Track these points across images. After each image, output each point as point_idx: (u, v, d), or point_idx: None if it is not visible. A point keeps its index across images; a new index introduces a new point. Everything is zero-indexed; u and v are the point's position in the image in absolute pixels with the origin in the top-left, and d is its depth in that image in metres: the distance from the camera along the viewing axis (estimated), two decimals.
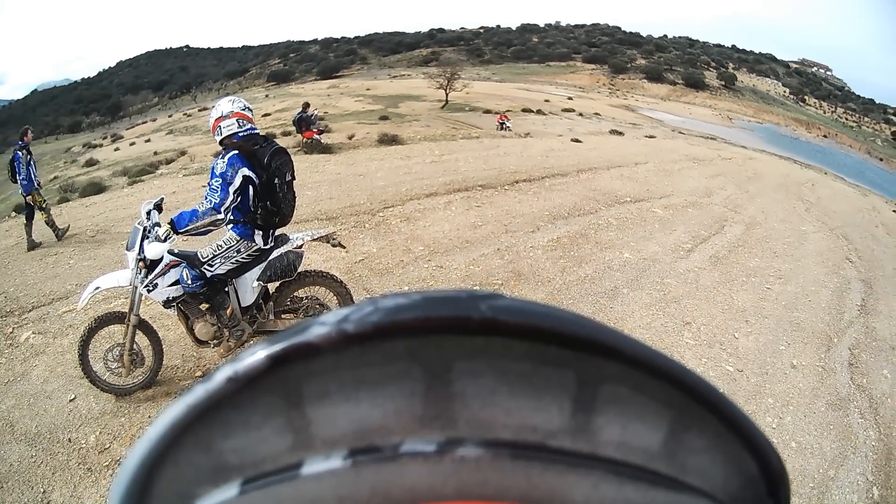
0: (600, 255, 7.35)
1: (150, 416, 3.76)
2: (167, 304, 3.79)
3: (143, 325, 3.89)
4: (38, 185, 8.35)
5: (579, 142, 17.48)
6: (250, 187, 3.59)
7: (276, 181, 3.63)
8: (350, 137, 16.59)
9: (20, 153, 8.06)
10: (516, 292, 5.93)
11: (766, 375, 5.04)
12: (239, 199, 3.57)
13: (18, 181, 8.10)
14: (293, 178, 3.82)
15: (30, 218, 7.88)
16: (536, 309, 0.25)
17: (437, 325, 0.24)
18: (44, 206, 8.13)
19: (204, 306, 3.90)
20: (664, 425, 0.27)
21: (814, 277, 7.93)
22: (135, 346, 3.85)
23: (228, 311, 3.95)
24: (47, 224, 7.97)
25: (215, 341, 3.99)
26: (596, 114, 29.11)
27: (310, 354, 0.24)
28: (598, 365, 0.25)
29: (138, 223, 3.75)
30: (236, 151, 3.53)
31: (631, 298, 6.17)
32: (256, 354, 0.24)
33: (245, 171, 3.51)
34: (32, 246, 7.64)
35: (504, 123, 24.57)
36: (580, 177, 12.17)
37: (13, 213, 10.65)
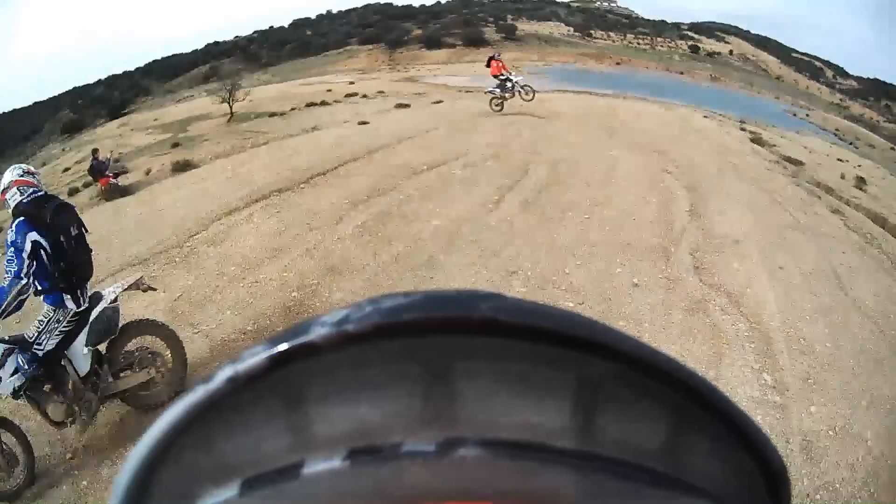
0: (408, 229, 7.38)
1: None
2: (16, 394, 3.83)
3: (4, 423, 3.88)
4: None
5: (367, 123, 17.21)
6: (42, 251, 3.67)
7: (62, 238, 3.77)
8: (147, 172, 16.18)
9: None
10: (333, 288, 6.11)
11: (610, 301, 5.13)
12: (35, 264, 3.63)
13: None
14: (82, 231, 3.99)
15: None
16: (537, 309, 0.26)
17: (437, 325, 0.25)
18: None
19: (47, 387, 3.96)
20: (665, 425, 0.27)
21: (634, 197, 8.32)
22: (4, 446, 3.81)
23: (70, 386, 4.00)
24: None
25: (71, 419, 3.99)
26: (380, 92, 29.10)
27: (310, 354, 0.25)
28: (599, 365, 0.26)
29: None
30: (23, 218, 3.65)
31: (450, 263, 6.21)
32: (257, 355, 0.25)
33: (33, 235, 3.61)
34: None
35: (506, 81, 17.02)
36: (373, 157, 12.22)
37: None
